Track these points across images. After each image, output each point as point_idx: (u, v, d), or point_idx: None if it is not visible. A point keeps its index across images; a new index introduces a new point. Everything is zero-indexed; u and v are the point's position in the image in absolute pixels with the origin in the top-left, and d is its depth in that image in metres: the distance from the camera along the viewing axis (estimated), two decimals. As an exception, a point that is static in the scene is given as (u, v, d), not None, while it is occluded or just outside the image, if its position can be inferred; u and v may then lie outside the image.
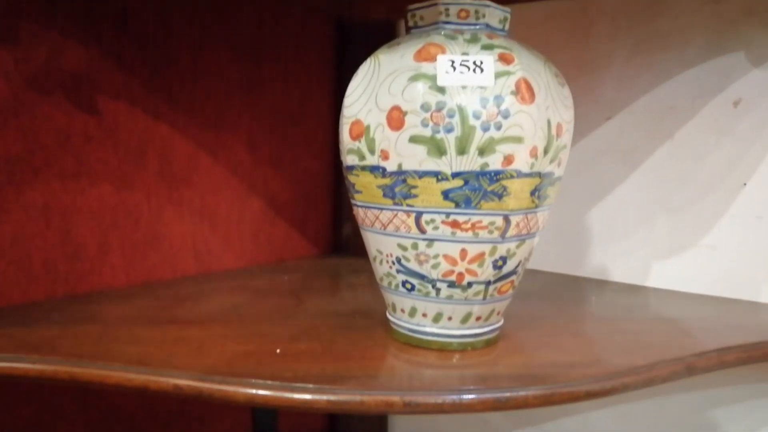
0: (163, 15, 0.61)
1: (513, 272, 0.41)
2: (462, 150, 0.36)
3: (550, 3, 0.69)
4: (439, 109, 0.36)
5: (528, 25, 0.71)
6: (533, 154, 0.37)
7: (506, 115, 0.36)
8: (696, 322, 0.51)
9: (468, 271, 0.39)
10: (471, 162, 0.36)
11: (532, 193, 0.38)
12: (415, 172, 0.37)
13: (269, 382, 0.35)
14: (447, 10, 0.40)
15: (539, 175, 0.38)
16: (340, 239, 0.83)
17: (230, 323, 0.47)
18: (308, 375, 0.36)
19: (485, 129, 0.36)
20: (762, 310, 0.56)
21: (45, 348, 0.41)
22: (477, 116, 0.36)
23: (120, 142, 0.58)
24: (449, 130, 0.36)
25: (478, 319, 0.41)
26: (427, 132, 0.36)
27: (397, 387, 0.35)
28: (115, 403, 0.61)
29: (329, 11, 0.78)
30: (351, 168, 0.41)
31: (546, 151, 0.38)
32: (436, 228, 0.38)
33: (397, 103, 0.37)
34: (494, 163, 0.37)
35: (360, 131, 0.39)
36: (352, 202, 0.42)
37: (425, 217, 0.38)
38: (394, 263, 0.41)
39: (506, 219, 0.38)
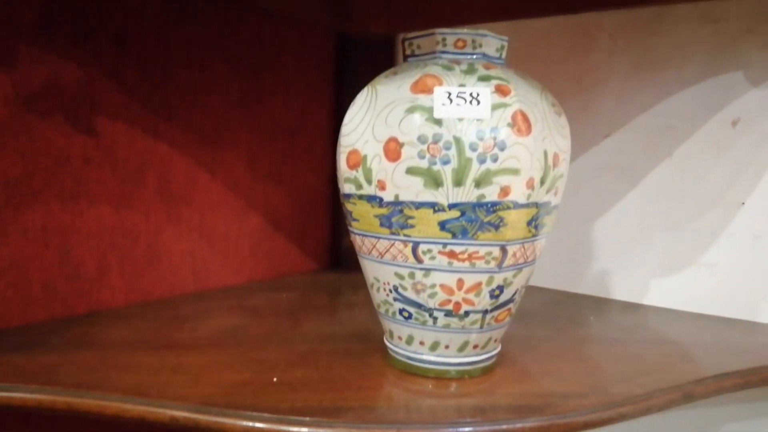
0: (162, 33, 0.61)
1: (510, 300, 0.41)
2: (458, 182, 0.36)
3: (550, 19, 0.69)
4: (435, 141, 0.36)
5: (527, 40, 0.71)
6: (530, 185, 0.37)
7: (503, 147, 0.36)
8: (694, 346, 0.51)
9: (465, 300, 0.39)
10: (467, 193, 0.36)
11: (529, 223, 0.39)
12: (412, 203, 0.37)
13: (266, 414, 0.35)
14: (444, 40, 0.40)
15: (536, 205, 0.38)
16: (339, 253, 0.83)
17: (227, 348, 0.47)
18: (305, 407, 0.37)
19: (482, 161, 0.36)
20: (760, 330, 0.56)
21: (43, 376, 0.41)
22: (473, 148, 0.36)
23: (119, 162, 0.58)
24: (446, 162, 0.36)
25: (475, 347, 0.41)
26: (424, 164, 0.37)
27: (394, 420, 0.35)
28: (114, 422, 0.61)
29: (329, 26, 0.78)
30: (348, 196, 0.41)
31: (542, 182, 0.38)
32: (432, 258, 0.38)
33: (394, 134, 0.37)
34: (491, 194, 0.37)
35: (357, 161, 0.39)
36: (350, 228, 0.43)
37: (422, 247, 0.38)
38: (391, 291, 0.41)
39: (503, 249, 0.38)
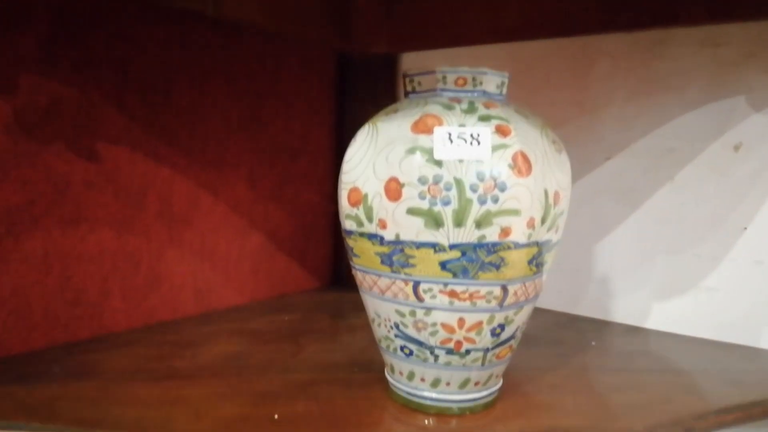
0: (164, 58, 0.61)
1: (512, 337, 0.41)
2: (459, 222, 0.36)
3: (550, 40, 0.69)
4: (436, 182, 0.36)
5: (528, 61, 0.71)
6: (530, 225, 0.37)
7: (503, 188, 0.36)
8: (696, 375, 0.51)
9: (466, 339, 0.39)
10: (468, 234, 0.36)
11: (530, 262, 0.38)
12: (413, 242, 0.37)
13: (266, 456, 0.35)
14: (444, 78, 0.40)
15: (537, 244, 0.38)
16: (341, 270, 0.83)
17: (228, 377, 0.47)
18: (306, 447, 0.37)
19: (482, 202, 0.36)
20: (761, 357, 0.56)
21: (44, 410, 0.41)
22: (474, 189, 0.36)
23: (120, 187, 0.59)
24: (446, 203, 0.36)
25: (476, 384, 0.41)
26: (425, 204, 0.37)
27: (394, 462, 0.35)
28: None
29: (330, 46, 0.78)
30: (349, 233, 0.41)
31: (543, 221, 0.38)
32: (433, 297, 0.38)
33: (395, 174, 0.37)
34: (491, 235, 0.37)
35: (358, 198, 0.39)
36: (351, 263, 0.43)
37: (423, 286, 0.38)
38: (392, 328, 0.41)
39: (504, 288, 0.38)
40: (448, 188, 0.36)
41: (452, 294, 0.38)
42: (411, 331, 0.40)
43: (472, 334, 0.39)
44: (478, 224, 0.36)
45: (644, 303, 0.65)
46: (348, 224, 0.41)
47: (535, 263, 0.39)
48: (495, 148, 0.37)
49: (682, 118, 0.62)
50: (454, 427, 0.40)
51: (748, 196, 0.59)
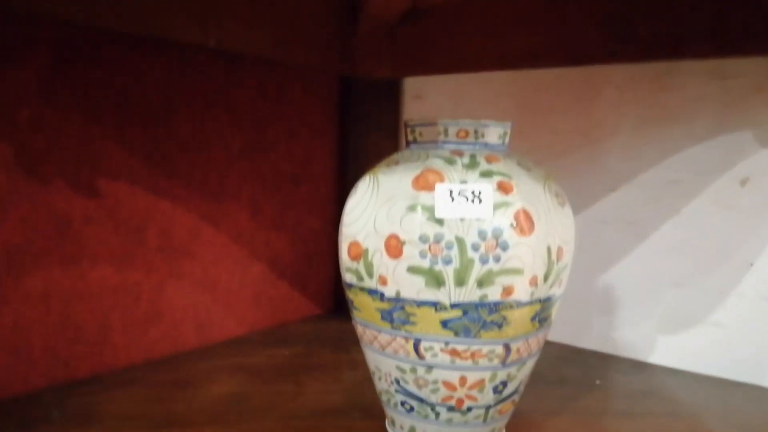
0: (164, 90, 0.60)
1: (514, 392, 0.40)
2: (461, 282, 0.36)
3: (556, 68, 0.68)
4: (437, 241, 0.36)
5: (533, 88, 0.70)
6: (533, 283, 0.37)
7: (505, 248, 0.36)
8: (702, 418, 0.50)
9: (468, 396, 0.39)
10: (470, 293, 0.36)
11: (533, 319, 0.38)
12: (414, 300, 0.37)
13: None
14: (446, 130, 0.39)
15: (540, 301, 0.38)
16: (343, 296, 0.82)
17: (228, 425, 0.47)
18: None
19: (484, 261, 0.36)
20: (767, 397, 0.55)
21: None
22: (475, 248, 0.36)
23: (120, 222, 0.58)
24: (447, 262, 0.36)
25: (477, 439, 0.41)
26: (426, 263, 0.36)
27: None
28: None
29: (333, 70, 0.78)
30: (349, 285, 0.40)
31: (546, 278, 0.37)
32: (435, 355, 0.38)
33: (395, 231, 0.37)
34: (493, 294, 0.36)
35: (358, 253, 0.38)
36: (351, 315, 0.42)
37: (424, 344, 0.38)
38: (393, 383, 0.40)
39: (506, 347, 0.38)
40: (449, 247, 0.36)
41: (454, 353, 0.37)
42: (412, 388, 0.39)
43: (474, 392, 0.38)
44: (480, 283, 0.36)
45: (650, 337, 0.64)
46: (348, 277, 0.40)
47: (538, 319, 0.38)
48: (497, 206, 0.36)
49: (688, 150, 0.61)
50: (456, 483, 0.39)
51: (754, 232, 0.58)
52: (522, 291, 0.36)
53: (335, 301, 0.83)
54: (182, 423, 0.47)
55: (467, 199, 0.36)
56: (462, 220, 0.36)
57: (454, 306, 0.36)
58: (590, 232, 0.67)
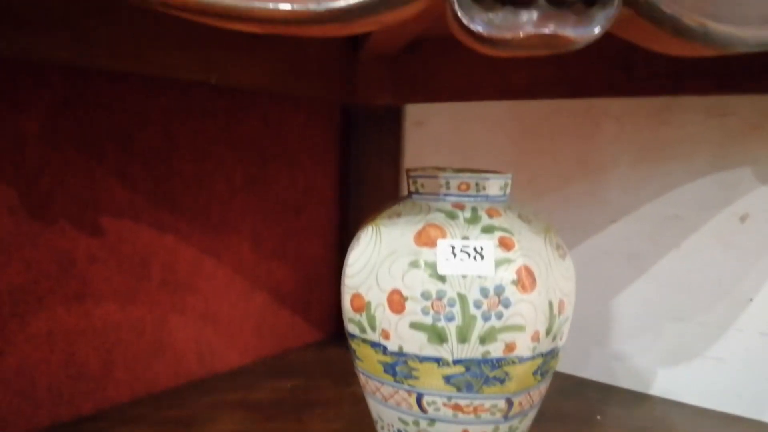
0: (167, 129, 0.61)
1: (515, 442, 0.41)
2: (463, 338, 0.36)
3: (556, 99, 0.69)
4: (439, 298, 0.36)
5: (533, 119, 0.71)
6: (535, 338, 0.37)
7: (507, 305, 0.36)
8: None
9: (469, 448, 0.39)
10: (472, 350, 0.36)
11: (535, 373, 0.38)
12: (416, 356, 0.37)
13: None
14: (447, 183, 0.40)
15: (541, 355, 0.38)
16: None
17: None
18: None
19: (486, 318, 0.36)
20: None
21: None
22: (478, 306, 0.36)
23: (124, 259, 0.59)
24: (450, 319, 0.36)
25: (479, 489, 0.41)
26: (428, 320, 0.36)
27: None
28: None
29: (335, 99, 0.78)
30: (352, 336, 0.41)
31: (548, 332, 0.38)
32: (437, 410, 0.38)
33: (398, 287, 0.37)
34: (496, 350, 0.36)
35: (361, 305, 0.39)
36: (354, 364, 0.42)
37: (426, 399, 0.38)
38: (395, 433, 0.41)
39: (509, 401, 0.38)
40: (451, 304, 0.36)
41: (456, 407, 0.38)
42: (414, 439, 0.40)
43: (476, 444, 0.39)
44: (482, 340, 0.36)
45: (650, 369, 0.65)
46: (351, 328, 0.40)
47: (540, 373, 0.39)
48: (499, 263, 0.36)
49: (688, 185, 0.62)
50: None
51: (754, 268, 0.59)
52: (524, 347, 0.37)
53: (337, 325, 0.83)
54: (186, 467, 0.47)
55: (469, 256, 0.36)
56: (464, 277, 0.36)
57: (456, 362, 0.37)
58: (591, 263, 0.67)
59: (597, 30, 0.26)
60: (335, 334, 0.82)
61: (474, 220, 0.38)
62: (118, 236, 0.58)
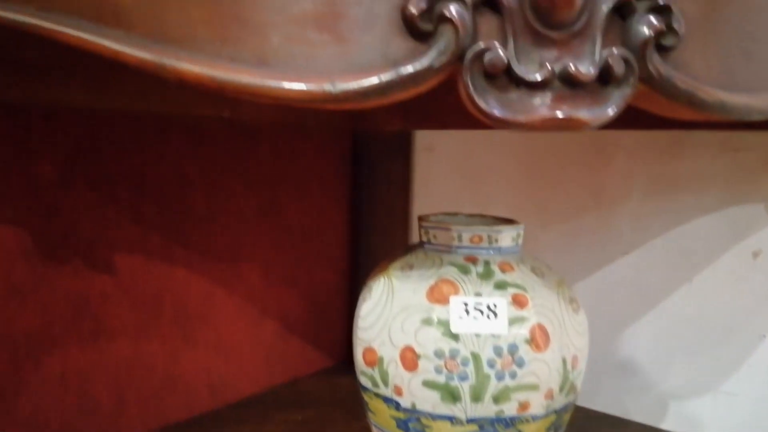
0: (179, 164, 0.61)
1: (528, 495, 0.41)
2: (476, 397, 0.36)
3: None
4: (452, 357, 0.36)
5: (544, 150, 0.71)
6: (549, 396, 0.37)
7: (521, 364, 0.36)
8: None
9: (482, 503, 0.39)
10: (485, 409, 0.36)
11: (549, 429, 0.38)
12: (429, 414, 0.37)
13: None
14: (460, 236, 0.40)
15: (555, 412, 0.38)
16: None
17: None
18: None
19: (500, 378, 0.36)
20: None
21: None
22: (491, 365, 0.36)
23: (136, 295, 0.59)
24: (463, 378, 0.36)
25: None
26: (441, 378, 0.36)
27: None
28: None
29: (345, 127, 0.79)
30: (364, 389, 0.41)
31: (562, 389, 0.38)
32: (450, 466, 0.38)
33: (410, 344, 0.37)
34: (509, 409, 0.36)
35: (373, 360, 0.39)
36: (366, 415, 0.42)
37: (440, 455, 0.38)
38: (408, 486, 0.40)
39: (521, 458, 0.38)
40: (465, 363, 0.36)
41: (469, 464, 0.38)
42: (427, 493, 0.40)
43: (489, 500, 0.39)
44: (496, 400, 0.36)
45: (661, 402, 0.64)
46: (363, 380, 0.40)
47: (554, 428, 0.39)
48: (512, 321, 0.36)
49: (700, 220, 0.61)
50: None
51: (766, 304, 0.58)
52: (538, 405, 0.37)
53: (347, 352, 0.83)
54: None
55: (482, 314, 0.36)
56: (478, 335, 0.36)
57: (470, 421, 0.37)
58: (603, 294, 0.67)
59: (611, 111, 0.26)
60: (345, 360, 0.82)
61: (487, 275, 0.38)
62: (130, 273, 0.58)
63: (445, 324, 0.37)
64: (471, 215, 0.46)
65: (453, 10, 0.25)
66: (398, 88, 0.26)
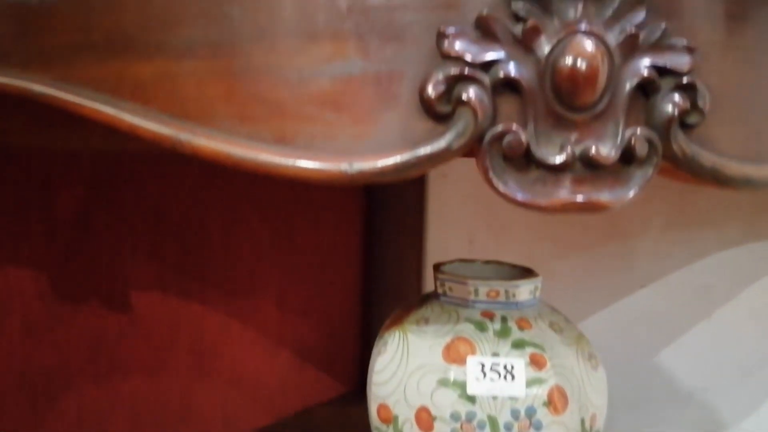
0: (195, 198, 0.61)
1: None
2: (493, 460, 0.36)
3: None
4: (469, 420, 0.36)
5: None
6: (566, 457, 0.36)
7: (538, 427, 0.36)
8: None
9: None
10: (502, 471, 0.36)
11: (566, 489, 0.38)
12: (446, 476, 0.37)
13: None
14: (476, 290, 0.39)
15: (573, 473, 0.37)
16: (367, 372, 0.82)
17: None
18: None
19: (517, 441, 0.35)
20: None
21: None
22: (508, 428, 0.35)
23: (152, 331, 0.59)
24: (480, 441, 0.36)
25: None
26: (458, 441, 0.36)
27: None
28: None
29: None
30: (380, 442, 0.40)
31: (579, 449, 0.37)
32: None
33: (426, 404, 0.37)
34: (526, 473, 0.36)
35: (388, 417, 0.39)
36: (381, 467, 0.42)
37: None
38: None
39: None
40: (481, 427, 0.36)
41: None
42: None
43: None
44: (513, 462, 0.36)
45: (680, 439, 0.63)
46: (378, 435, 0.40)
47: (571, 487, 0.38)
48: (530, 383, 0.36)
49: (720, 254, 0.61)
50: None
51: (789, 343, 0.58)
52: (555, 467, 0.36)
53: (360, 379, 0.83)
54: None
55: (500, 375, 0.36)
56: (494, 398, 0.36)
57: (486, 483, 0.36)
58: (620, 327, 0.66)
59: (632, 193, 0.25)
60: (358, 387, 0.82)
61: (504, 333, 0.38)
62: (146, 309, 0.58)
63: (461, 385, 0.36)
64: (487, 262, 0.45)
65: (471, 93, 0.24)
66: (415, 168, 0.26)
